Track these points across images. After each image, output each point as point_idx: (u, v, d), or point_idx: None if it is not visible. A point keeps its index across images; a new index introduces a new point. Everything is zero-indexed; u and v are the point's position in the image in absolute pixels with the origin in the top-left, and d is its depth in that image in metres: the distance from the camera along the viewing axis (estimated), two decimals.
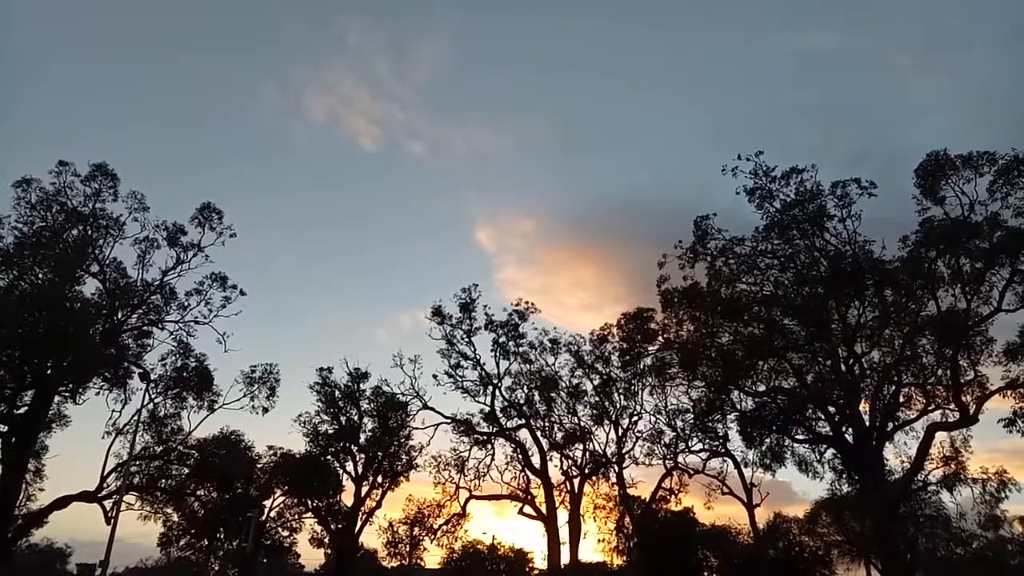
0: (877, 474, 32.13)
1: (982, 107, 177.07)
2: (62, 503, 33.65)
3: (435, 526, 47.60)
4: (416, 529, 48.88)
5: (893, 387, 34.61)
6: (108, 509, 33.61)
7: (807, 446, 39.20)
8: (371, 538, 54.99)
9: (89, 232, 35.86)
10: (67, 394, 34.39)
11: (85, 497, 33.80)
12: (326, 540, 48.34)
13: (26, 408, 32.58)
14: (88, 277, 35.97)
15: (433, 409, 46.45)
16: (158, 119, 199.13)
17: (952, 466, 38.69)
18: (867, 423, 32.84)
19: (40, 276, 33.91)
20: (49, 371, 32.48)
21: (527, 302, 46.43)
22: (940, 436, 35.62)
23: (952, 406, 32.80)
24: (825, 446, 37.93)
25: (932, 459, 37.25)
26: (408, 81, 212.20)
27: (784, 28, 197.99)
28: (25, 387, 32.49)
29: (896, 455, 37.99)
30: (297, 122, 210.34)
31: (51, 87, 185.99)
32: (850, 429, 33.24)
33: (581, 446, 45.94)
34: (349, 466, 47.16)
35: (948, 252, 30.92)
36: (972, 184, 30.81)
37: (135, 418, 34.73)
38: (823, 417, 35.51)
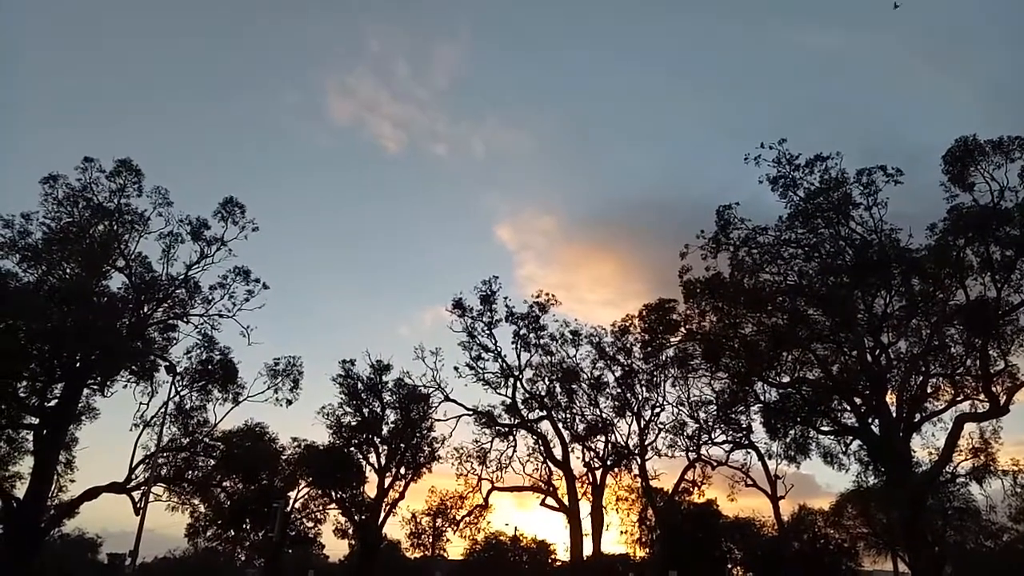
0: (904, 466, 31.63)
1: (995, 105, 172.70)
2: (92, 494, 34.26)
3: (458, 517, 47.83)
4: (439, 520, 49.22)
5: (921, 377, 34.12)
6: (137, 500, 34.14)
7: (832, 438, 38.93)
8: (394, 529, 55.31)
9: (115, 227, 36.31)
10: (95, 387, 34.84)
11: (115, 488, 34.35)
12: (350, 531, 48.86)
13: (56, 401, 33.15)
14: (114, 272, 36.57)
15: (455, 401, 46.25)
16: (182, 117, 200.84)
17: (982, 458, 37.86)
18: (894, 414, 32.31)
19: (68, 271, 34.59)
20: (78, 365, 32.99)
21: (548, 294, 45.80)
22: (969, 427, 34.79)
23: (981, 397, 32.23)
24: (851, 437, 37.58)
25: (961, 451, 36.29)
26: (428, 83, 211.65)
27: (796, 25, 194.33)
28: (55, 380, 33.07)
29: (924, 447, 37.48)
30: (320, 124, 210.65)
31: (75, 81, 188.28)
32: (876, 420, 32.72)
33: (603, 438, 45.73)
34: (372, 458, 47.48)
35: (977, 240, 30.21)
36: (1003, 170, 30.01)
37: (162, 410, 35.20)
38: (849, 408, 35.07)
